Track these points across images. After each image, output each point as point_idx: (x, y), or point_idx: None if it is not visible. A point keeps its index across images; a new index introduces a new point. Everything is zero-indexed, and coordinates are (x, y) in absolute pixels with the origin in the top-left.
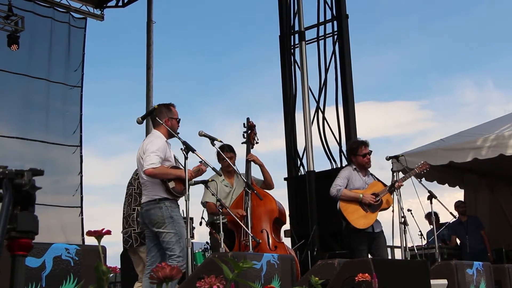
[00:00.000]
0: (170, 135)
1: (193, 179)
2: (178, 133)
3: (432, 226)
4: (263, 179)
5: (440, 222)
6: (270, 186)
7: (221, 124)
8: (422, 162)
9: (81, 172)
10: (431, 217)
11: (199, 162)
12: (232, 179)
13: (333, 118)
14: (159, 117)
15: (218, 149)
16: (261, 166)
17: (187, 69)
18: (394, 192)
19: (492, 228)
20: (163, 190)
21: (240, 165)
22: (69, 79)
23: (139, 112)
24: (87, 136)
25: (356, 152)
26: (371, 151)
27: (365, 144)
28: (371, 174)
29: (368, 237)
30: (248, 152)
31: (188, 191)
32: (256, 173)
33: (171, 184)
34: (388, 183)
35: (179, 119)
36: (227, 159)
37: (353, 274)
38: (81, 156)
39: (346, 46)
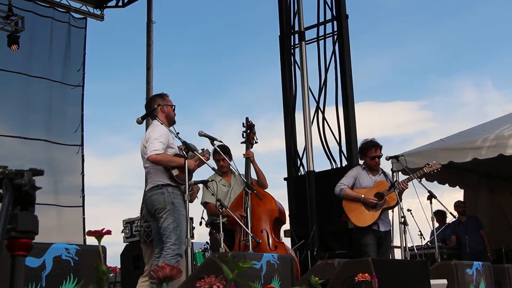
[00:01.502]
0: (169, 123)
1: (193, 180)
2: (178, 133)
3: (438, 224)
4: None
5: (446, 221)
6: (264, 186)
7: (221, 124)
8: (433, 162)
9: (82, 171)
10: (439, 215)
11: (201, 149)
12: (229, 178)
13: (333, 118)
14: (153, 107)
15: (214, 150)
16: (255, 167)
17: (187, 69)
18: (395, 191)
19: (492, 228)
20: (167, 177)
21: (239, 165)
22: (70, 78)
23: (139, 113)
24: (86, 136)
25: (366, 153)
26: (381, 155)
27: (375, 146)
28: (384, 173)
29: (375, 234)
30: (246, 153)
31: (188, 191)
32: (252, 170)
33: (175, 172)
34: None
35: (174, 106)
36: (225, 158)
37: (353, 274)
38: (83, 156)
39: (346, 46)
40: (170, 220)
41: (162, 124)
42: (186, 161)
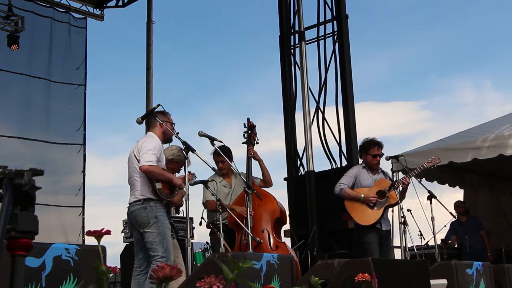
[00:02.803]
0: (165, 139)
1: (193, 180)
2: (178, 133)
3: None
4: (261, 177)
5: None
6: (269, 184)
7: (221, 125)
8: (432, 157)
9: (84, 171)
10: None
11: (188, 172)
12: (230, 179)
13: (333, 118)
14: (156, 120)
15: (214, 151)
16: (260, 162)
17: (187, 69)
18: (396, 190)
19: (492, 228)
20: (149, 191)
21: (240, 165)
22: (70, 78)
23: (139, 113)
24: (86, 136)
25: (367, 150)
26: (383, 154)
27: (378, 145)
28: (383, 172)
29: (378, 233)
30: (248, 154)
31: (188, 191)
32: (255, 170)
33: (158, 185)
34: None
35: (174, 123)
36: (225, 159)
37: (353, 274)
38: (84, 155)
39: (346, 46)
40: (155, 234)
41: (156, 137)
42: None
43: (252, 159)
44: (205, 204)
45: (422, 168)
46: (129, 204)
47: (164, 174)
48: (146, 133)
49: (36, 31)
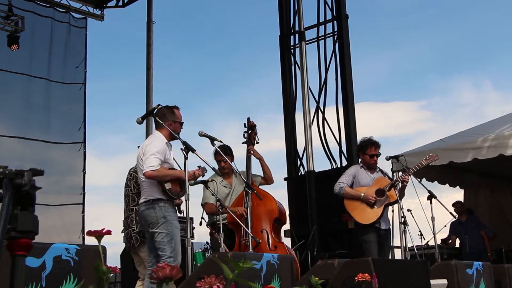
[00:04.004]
0: (171, 137)
1: (193, 180)
2: (178, 133)
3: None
4: (262, 174)
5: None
6: (270, 181)
7: (221, 125)
8: (430, 154)
9: (84, 169)
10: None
11: (198, 166)
12: (230, 179)
13: (333, 118)
14: (162, 119)
15: (215, 151)
16: (261, 160)
17: (187, 69)
18: (395, 189)
19: (492, 228)
20: (159, 191)
21: (240, 165)
22: (70, 78)
23: (139, 112)
24: (87, 136)
25: (365, 150)
26: (380, 154)
27: (375, 145)
28: (381, 171)
29: (377, 232)
30: (248, 152)
31: (188, 191)
32: (255, 168)
33: (168, 185)
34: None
35: (182, 122)
36: (226, 159)
37: (353, 274)
38: (85, 153)
39: (346, 46)
40: (164, 234)
41: (161, 137)
42: (186, 170)
43: (253, 158)
44: (204, 206)
45: (420, 166)
46: (140, 204)
47: (169, 174)
48: (146, 131)
49: (36, 31)
